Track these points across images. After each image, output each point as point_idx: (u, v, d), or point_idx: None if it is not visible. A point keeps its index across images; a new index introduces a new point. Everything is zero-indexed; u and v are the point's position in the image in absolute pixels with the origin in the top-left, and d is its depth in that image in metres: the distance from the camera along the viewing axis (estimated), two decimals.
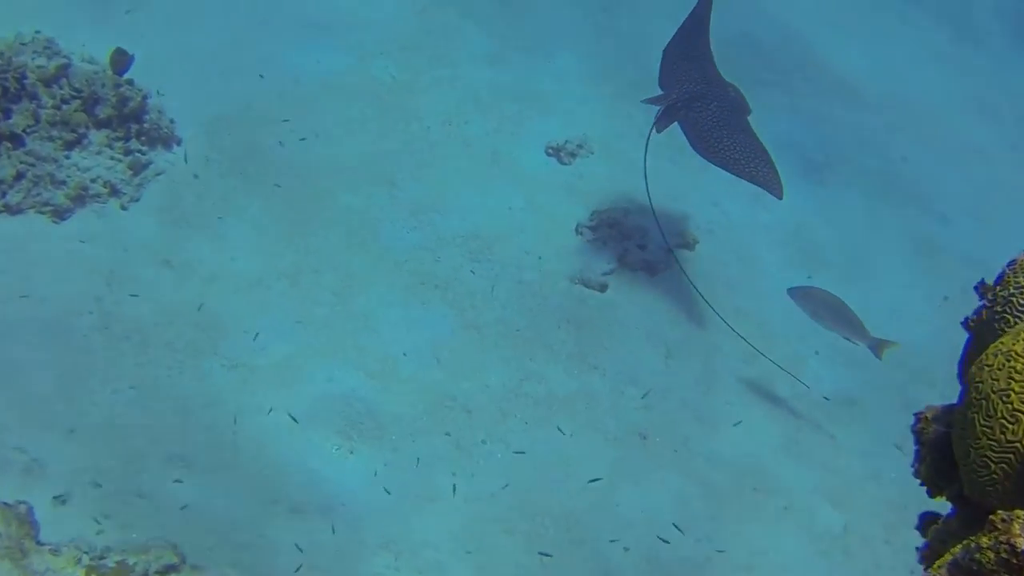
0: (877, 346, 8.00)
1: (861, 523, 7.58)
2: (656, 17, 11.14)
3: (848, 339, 8.09)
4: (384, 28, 9.99)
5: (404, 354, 7.54)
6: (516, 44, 10.40)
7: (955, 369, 8.35)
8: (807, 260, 9.33)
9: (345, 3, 10.12)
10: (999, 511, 2.77)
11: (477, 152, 9.13)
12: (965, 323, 3.30)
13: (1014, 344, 3.03)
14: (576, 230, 8.74)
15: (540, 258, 8.47)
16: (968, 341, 3.47)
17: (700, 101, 8.10)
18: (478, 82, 9.82)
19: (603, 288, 8.39)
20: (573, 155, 9.32)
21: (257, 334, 7.33)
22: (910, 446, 7.87)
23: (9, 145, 7.71)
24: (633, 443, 7.52)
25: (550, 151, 9.33)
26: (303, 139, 8.69)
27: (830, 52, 11.92)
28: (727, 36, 9.83)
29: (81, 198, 7.79)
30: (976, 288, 3.22)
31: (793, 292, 8.13)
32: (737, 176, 8.00)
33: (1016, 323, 3.20)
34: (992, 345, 3.13)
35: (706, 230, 9.21)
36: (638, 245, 8.66)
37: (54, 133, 7.86)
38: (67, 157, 7.87)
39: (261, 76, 9.11)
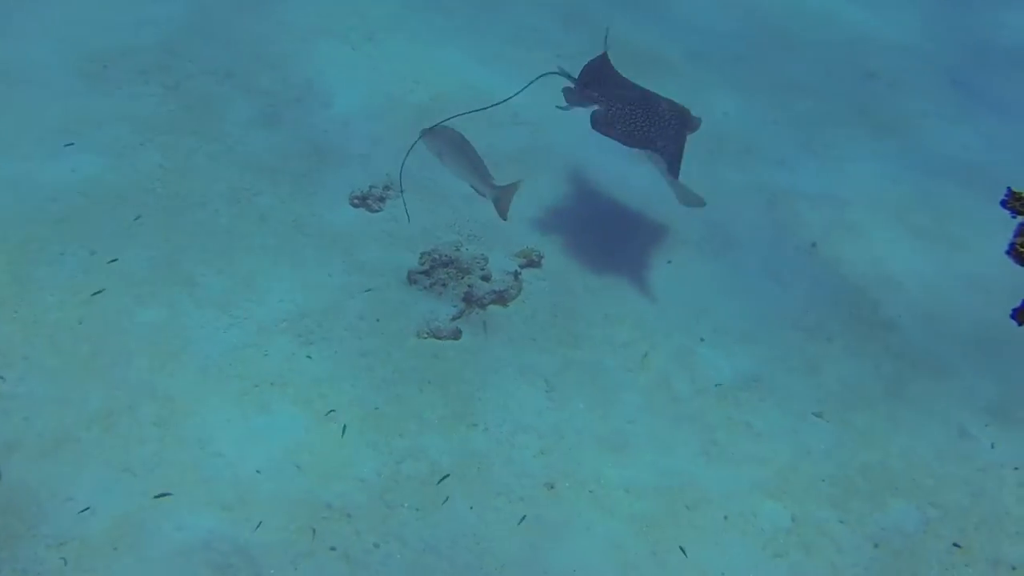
0: (500, 195, 7.38)
1: (808, 509, 6.79)
2: (425, 45, 10.35)
3: (475, 189, 7.49)
4: (136, 115, 8.81)
5: (258, 471, 6.41)
6: (286, 97, 9.37)
7: (848, 322, 7.57)
8: (660, 245, 8.55)
9: (82, 101, 8.90)
10: None
11: (277, 224, 8.04)
12: (1011, 250, 2.94)
13: None
14: (409, 279, 7.74)
15: (378, 320, 7.44)
16: None
17: (624, 102, 7.78)
18: (256, 147, 8.73)
19: (456, 335, 7.42)
20: (382, 199, 8.33)
21: (86, 508, 6.12)
22: (830, 411, 7.28)
23: None
24: (542, 497, 6.56)
25: (356, 202, 8.31)
26: (83, 258, 7.47)
27: None
28: None
29: None
30: (1003, 204, 2.90)
31: (424, 133, 7.45)
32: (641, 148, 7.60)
33: None
34: None
35: (547, 240, 8.34)
36: (481, 277, 7.72)
37: None
38: None
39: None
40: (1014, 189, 3.50)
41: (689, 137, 7.93)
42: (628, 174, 9.11)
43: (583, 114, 7.90)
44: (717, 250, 8.63)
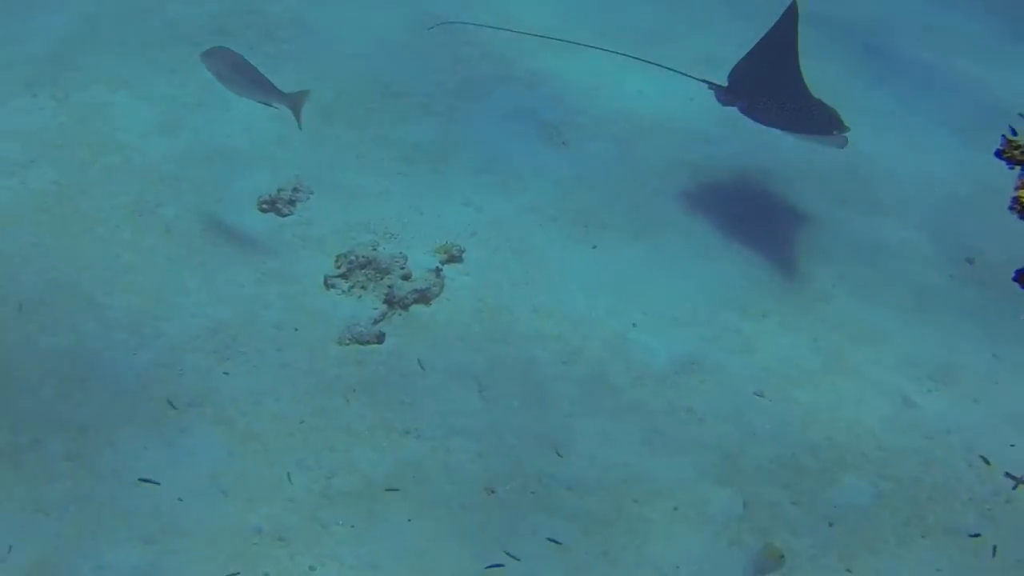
0: (294, 102, 7.33)
1: (759, 493, 6.56)
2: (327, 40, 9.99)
3: (266, 103, 7.44)
4: (24, 131, 8.34)
5: (180, 499, 6.02)
6: (184, 102, 8.93)
7: (782, 297, 7.33)
8: (585, 231, 8.27)
9: None
10: None
11: (183, 235, 7.63)
12: (1014, 203, 2.82)
13: None
14: (326, 284, 7.38)
15: (296, 329, 7.08)
16: None
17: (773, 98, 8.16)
18: (155, 155, 8.29)
19: (380, 338, 7.08)
20: (292, 203, 7.95)
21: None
22: (772, 389, 7.05)
23: None
24: (483, 503, 6.25)
25: (265, 206, 7.92)
26: None
27: None
28: None
29: None
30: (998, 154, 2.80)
31: (202, 55, 7.37)
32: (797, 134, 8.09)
33: None
34: None
35: (468, 233, 8.02)
36: (402, 277, 7.39)
37: None
38: None
39: None
40: (1010, 136, 3.29)
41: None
42: (546, 165, 8.80)
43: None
44: (641, 232, 8.36)
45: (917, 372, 7.60)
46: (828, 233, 8.69)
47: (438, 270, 7.51)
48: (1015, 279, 3.66)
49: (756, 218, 8.70)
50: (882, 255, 8.56)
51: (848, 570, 6.16)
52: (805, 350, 7.59)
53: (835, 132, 8.15)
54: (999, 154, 3.34)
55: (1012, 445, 7.12)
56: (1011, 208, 3.25)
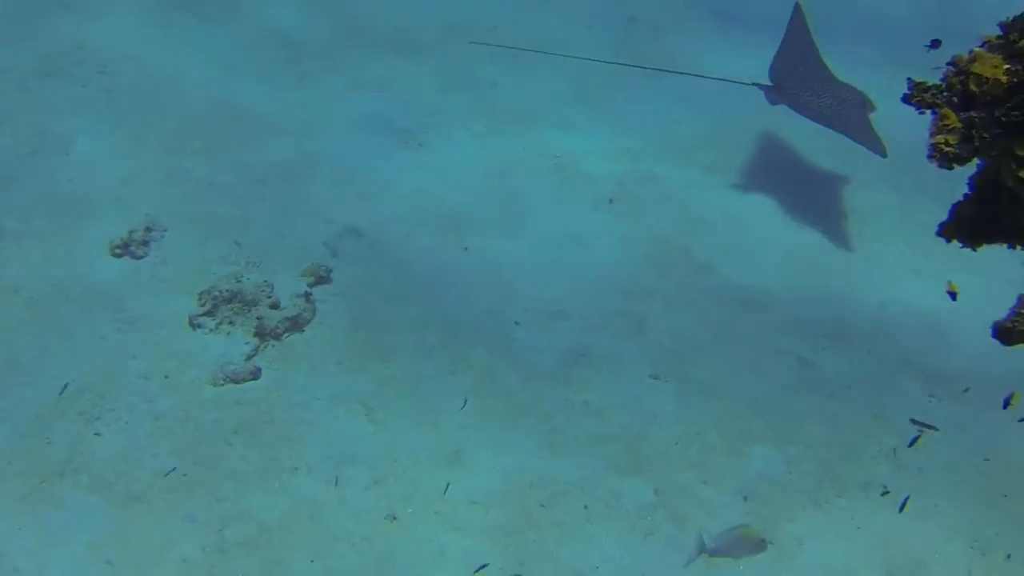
0: None
1: (668, 479, 6.39)
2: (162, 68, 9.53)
3: None
4: None
5: None
6: (18, 151, 8.38)
7: (663, 275, 7.08)
8: (461, 230, 8.01)
9: None
10: None
11: (33, 294, 7.15)
12: (932, 151, 3.01)
13: None
14: (191, 324, 7.00)
15: (166, 377, 6.70)
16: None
17: (811, 91, 8.56)
18: None
19: (256, 373, 6.74)
20: (146, 243, 7.54)
21: None
22: (667, 370, 6.85)
23: None
24: (386, 530, 5.97)
25: (118, 251, 7.49)
26: None
27: None
28: None
29: None
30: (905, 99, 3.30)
31: None
32: (841, 132, 8.38)
33: None
34: None
35: (332, 252, 7.70)
36: (270, 306, 7.04)
37: None
38: None
39: None
40: (916, 79, 3.18)
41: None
42: (396, 180, 8.47)
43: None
44: (512, 228, 8.13)
45: (809, 332, 7.52)
46: (701, 205, 8.58)
47: (307, 294, 7.19)
48: (994, 335, 3.61)
49: (627, 198, 8.53)
50: (758, 222, 8.48)
51: (769, 543, 5.98)
52: (695, 325, 7.46)
53: (869, 112, 8.53)
54: (906, 99, 3.24)
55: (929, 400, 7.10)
56: (930, 156, 3.19)
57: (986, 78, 3.25)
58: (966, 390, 7.13)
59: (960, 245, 3.72)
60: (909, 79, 3.38)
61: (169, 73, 9.39)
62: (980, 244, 3.67)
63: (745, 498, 6.34)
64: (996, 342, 3.56)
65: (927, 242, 4.46)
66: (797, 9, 8.79)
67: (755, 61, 9.00)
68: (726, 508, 6.26)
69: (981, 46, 3.36)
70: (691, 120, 9.59)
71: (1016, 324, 3.51)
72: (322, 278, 7.39)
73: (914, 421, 6.84)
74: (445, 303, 7.40)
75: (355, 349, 7.00)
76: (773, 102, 8.58)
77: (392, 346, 7.02)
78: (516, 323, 7.32)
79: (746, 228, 8.38)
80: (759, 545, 5.69)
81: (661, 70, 8.98)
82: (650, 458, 6.50)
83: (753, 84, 8.60)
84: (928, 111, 3.31)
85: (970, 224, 3.61)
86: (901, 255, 8.29)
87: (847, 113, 8.44)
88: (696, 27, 11.05)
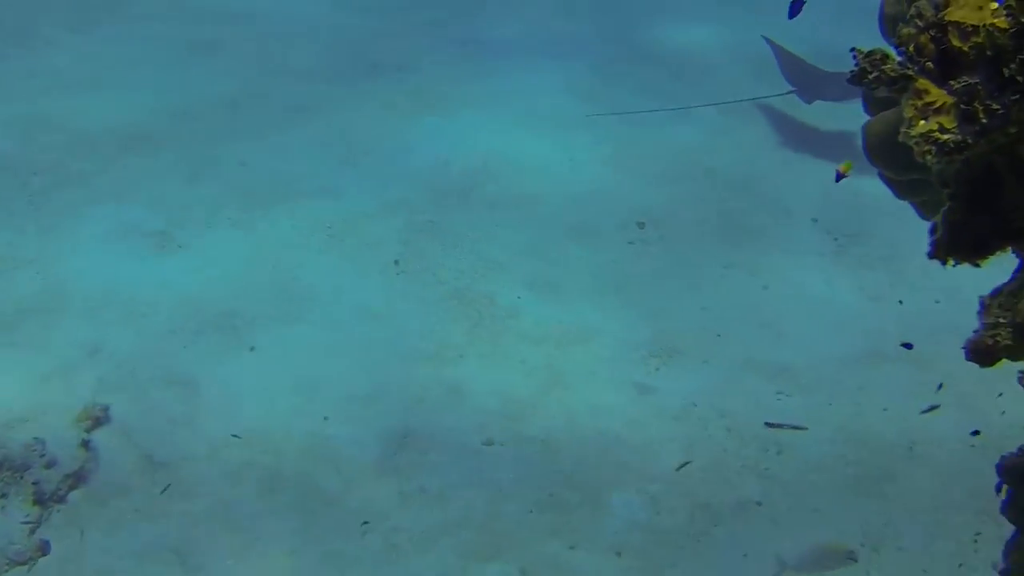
0: None
1: (533, 553, 5.80)
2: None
3: None
4: None
5: None
6: None
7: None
8: (231, 329, 7.24)
9: None
10: None
11: None
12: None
13: None
14: None
15: None
16: None
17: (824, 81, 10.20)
18: None
19: (44, 548, 5.81)
20: None
21: None
22: (499, 434, 6.24)
23: None
24: None
25: None
26: None
27: None
28: None
29: None
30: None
31: None
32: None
33: None
34: None
35: (97, 381, 6.81)
36: (45, 466, 6.13)
37: None
38: None
39: None
40: (860, 49, 2.55)
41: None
42: (160, 291, 7.58)
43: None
44: (297, 315, 7.41)
45: (639, 353, 7.07)
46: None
47: (86, 442, 6.31)
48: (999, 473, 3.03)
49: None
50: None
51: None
52: (517, 377, 6.88)
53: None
54: (855, 79, 2.57)
55: (778, 398, 6.73)
56: (920, 156, 2.45)
57: (974, 26, 2.34)
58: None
59: (954, 264, 2.92)
60: (852, 49, 2.65)
61: None
62: (987, 258, 2.86)
63: (619, 553, 5.79)
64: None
65: None
66: (770, 43, 10.57)
67: None
68: (599, 570, 5.70)
69: None
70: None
71: (997, 339, 2.78)
72: (99, 419, 6.48)
73: (768, 424, 6.46)
74: (243, 414, 6.62)
75: (151, 489, 6.15)
76: (808, 101, 10.23)
77: (197, 478, 6.21)
78: (325, 418, 6.60)
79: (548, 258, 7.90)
80: (848, 556, 5.32)
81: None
82: (507, 534, 5.87)
83: (788, 92, 10.26)
84: (892, 90, 2.54)
85: (971, 235, 2.78)
86: None
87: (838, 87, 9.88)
88: None
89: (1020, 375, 3.56)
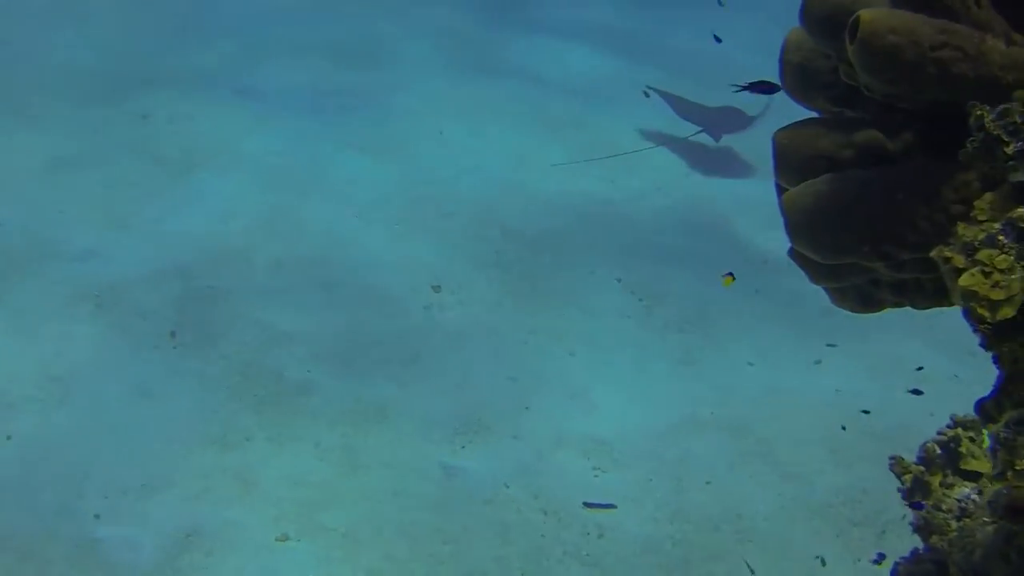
0: None
1: None
2: None
3: None
4: None
5: None
6: None
7: None
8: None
9: None
10: None
11: None
12: None
13: None
14: None
15: None
16: None
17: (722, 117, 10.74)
18: None
19: None
20: None
21: None
22: (296, 528, 5.68)
23: None
24: None
25: None
26: None
27: None
28: None
29: None
30: None
31: None
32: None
33: None
34: None
35: None
36: None
37: None
38: None
39: None
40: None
41: None
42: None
43: None
44: (54, 405, 6.61)
45: (443, 432, 6.58)
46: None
47: None
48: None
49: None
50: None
51: None
52: (312, 464, 6.28)
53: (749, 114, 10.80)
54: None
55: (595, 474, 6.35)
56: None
57: None
58: None
59: None
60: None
61: None
62: None
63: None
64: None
65: None
66: (657, 92, 10.98)
67: None
68: None
69: None
70: None
71: None
72: None
73: (586, 504, 6.08)
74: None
75: None
76: (717, 139, 10.71)
77: None
78: (96, 516, 5.83)
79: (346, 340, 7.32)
80: None
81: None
82: None
83: (699, 132, 10.62)
84: None
85: None
86: None
87: (737, 120, 10.69)
88: None
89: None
